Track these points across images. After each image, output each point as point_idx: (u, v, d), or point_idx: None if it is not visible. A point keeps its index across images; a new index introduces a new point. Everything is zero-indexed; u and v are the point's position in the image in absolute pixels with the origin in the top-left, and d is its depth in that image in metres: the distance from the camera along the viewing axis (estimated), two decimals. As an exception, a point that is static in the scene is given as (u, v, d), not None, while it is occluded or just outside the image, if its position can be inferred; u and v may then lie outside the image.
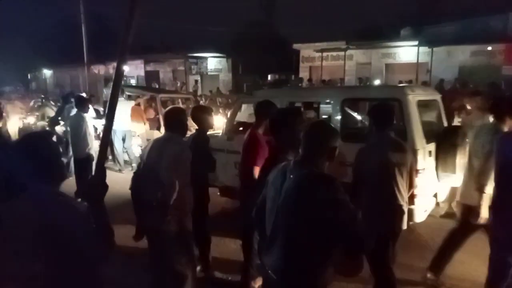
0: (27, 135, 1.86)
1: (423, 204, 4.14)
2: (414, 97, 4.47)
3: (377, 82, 16.86)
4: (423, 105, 4.86)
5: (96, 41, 24.00)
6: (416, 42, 15.41)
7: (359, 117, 6.21)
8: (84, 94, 10.90)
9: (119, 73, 2.04)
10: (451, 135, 4.46)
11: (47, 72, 32.40)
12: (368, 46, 17.93)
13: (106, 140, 2.02)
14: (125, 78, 20.62)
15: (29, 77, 33.50)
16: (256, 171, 3.20)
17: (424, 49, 15.23)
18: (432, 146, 4.40)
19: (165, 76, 25.23)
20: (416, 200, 3.87)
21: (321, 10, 27.04)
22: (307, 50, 19.87)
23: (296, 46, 20.42)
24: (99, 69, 25.56)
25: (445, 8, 18.53)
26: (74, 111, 6.63)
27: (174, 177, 2.89)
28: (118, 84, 2.04)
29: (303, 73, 20.08)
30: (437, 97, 5.31)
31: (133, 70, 24.66)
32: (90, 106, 6.65)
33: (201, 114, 4.00)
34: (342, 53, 17.24)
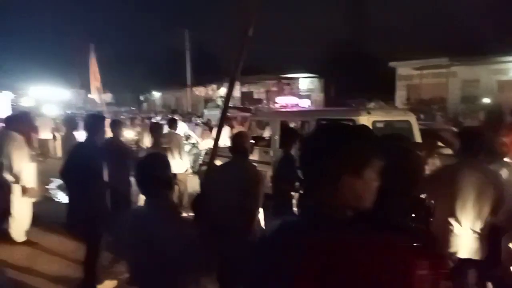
0: (146, 155, 2.21)
1: None
2: (368, 118, 5.19)
3: (486, 101, 15.23)
4: (387, 125, 5.71)
5: (197, 66, 26.15)
6: (535, 56, 13.63)
7: None
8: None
9: (228, 98, 2.34)
10: None
11: (156, 94, 36.17)
12: (476, 62, 16.35)
13: (213, 157, 2.27)
14: (221, 98, 22.02)
15: (141, 98, 37.74)
16: None
17: (546, 63, 13.38)
18: None
19: (258, 96, 26.27)
20: None
21: (418, 24, 25.53)
22: (404, 68, 18.93)
23: (392, 64, 19.60)
24: (200, 91, 27.69)
25: None
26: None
27: (255, 203, 3.00)
28: (226, 108, 2.33)
29: (400, 92, 19.11)
30: (409, 117, 5.95)
31: (230, 91, 26.17)
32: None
33: (289, 136, 4.13)
34: (444, 70, 16.03)
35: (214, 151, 2.38)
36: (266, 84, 25.21)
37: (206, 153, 8.22)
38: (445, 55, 16.47)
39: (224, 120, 2.41)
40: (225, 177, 3.09)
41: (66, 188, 4.69)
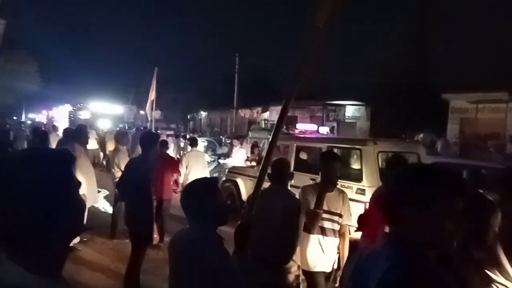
0: (195, 180, 2.16)
1: None
2: (374, 148, 5.48)
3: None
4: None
5: (245, 88, 26.64)
6: None
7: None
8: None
9: (278, 127, 2.19)
10: None
11: (202, 114, 37.15)
12: (539, 98, 15.28)
13: (260, 184, 2.12)
14: (266, 122, 22.14)
15: (188, 117, 38.91)
16: None
17: None
18: None
19: (302, 121, 26.12)
20: None
21: (475, 56, 24.48)
22: (458, 101, 18.05)
23: (445, 96, 18.77)
24: (245, 113, 28.07)
25: None
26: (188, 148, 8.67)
27: (294, 233, 2.90)
28: (276, 135, 2.19)
29: (452, 125, 18.20)
30: (417, 150, 6.31)
31: (274, 115, 26.34)
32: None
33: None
34: (503, 105, 15.12)
35: (261, 178, 2.11)
36: (311, 110, 25.09)
37: (229, 171, 9.02)
38: (504, 90, 15.55)
39: (273, 145, 2.20)
40: (263, 205, 2.89)
41: (121, 199, 4.95)
